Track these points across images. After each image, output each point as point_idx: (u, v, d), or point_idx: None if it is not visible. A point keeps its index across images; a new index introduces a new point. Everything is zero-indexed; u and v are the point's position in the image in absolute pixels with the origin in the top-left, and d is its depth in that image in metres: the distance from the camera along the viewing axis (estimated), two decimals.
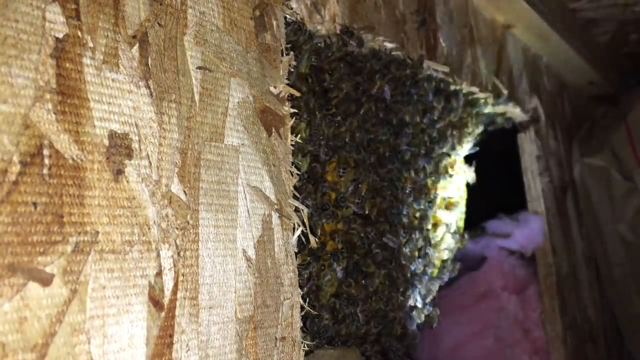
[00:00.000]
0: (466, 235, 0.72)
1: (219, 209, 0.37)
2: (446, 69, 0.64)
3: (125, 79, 0.32)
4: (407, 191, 0.61)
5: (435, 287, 0.65)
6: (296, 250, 0.43)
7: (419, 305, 0.62)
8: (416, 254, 0.62)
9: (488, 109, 0.74)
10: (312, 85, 0.51)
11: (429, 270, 0.64)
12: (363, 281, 0.55)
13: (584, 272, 1.02)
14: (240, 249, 0.38)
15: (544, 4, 0.80)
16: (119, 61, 0.32)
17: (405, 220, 0.61)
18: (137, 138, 0.33)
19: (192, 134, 0.36)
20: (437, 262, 0.66)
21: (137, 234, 0.32)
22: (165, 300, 0.33)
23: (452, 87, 0.66)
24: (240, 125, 0.39)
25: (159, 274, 0.33)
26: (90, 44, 0.31)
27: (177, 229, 0.34)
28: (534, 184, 0.89)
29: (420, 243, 0.63)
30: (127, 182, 0.32)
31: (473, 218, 0.78)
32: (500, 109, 0.78)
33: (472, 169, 0.73)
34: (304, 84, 0.50)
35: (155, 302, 0.32)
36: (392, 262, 0.59)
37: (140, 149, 0.33)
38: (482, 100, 0.72)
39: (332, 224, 0.53)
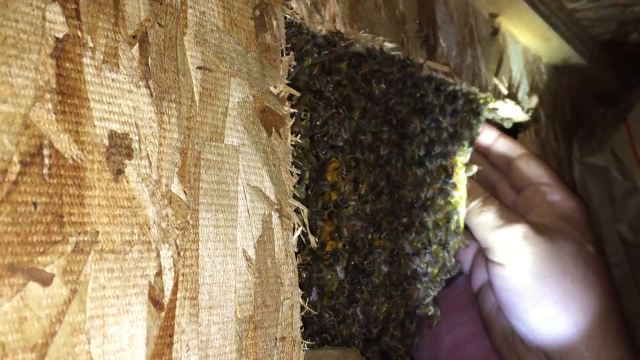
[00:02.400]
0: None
1: (219, 209, 0.37)
2: (446, 69, 0.64)
3: (125, 79, 0.32)
4: (408, 191, 0.61)
5: (435, 286, 0.65)
6: (296, 250, 0.43)
7: (420, 304, 0.62)
8: (417, 253, 0.62)
9: (488, 109, 0.74)
10: (312, 84, 0.51)
11: (430, 270, 0.64)
12: (363, 281, 0.55)
13: None
14: (240, 249, 0.38)
15: (544, 4, 0.80)
16: (119, 61, 0.32)
17: (405, 220, 0.61)
18: (137, 138, 0.33)
19: (192, 134, 0.36)
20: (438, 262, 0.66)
21: (137, 234, 0.32)
22: (165, 300, 0.33)
23: (452, 87, 0.67)
24: (240, 125, 0.39)
25: (159, 274, 0.33)
26: (90, 44, 0.31)
27: (177, 229, 0.34)
28: None
29: (421, 243, 0.63)
30: (127, 182, 0.32)
31: None
32: (499, 109, 0.78)
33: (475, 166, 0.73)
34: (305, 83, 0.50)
35: (155, 302, 0.32)
36: (393, 261, 0.59)
37: (140, 149, 0.33)
38: (482, 100, 0.72)
39: (332, 224, 0.53)
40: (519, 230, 0.62)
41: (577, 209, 0.68)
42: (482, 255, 0.70)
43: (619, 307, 0.65)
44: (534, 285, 0.62)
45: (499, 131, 0.76)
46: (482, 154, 0.77)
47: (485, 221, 0.64)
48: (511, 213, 0.65)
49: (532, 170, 0.71)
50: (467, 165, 0.72)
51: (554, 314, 0.61)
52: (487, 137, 0.75)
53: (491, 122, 0.81)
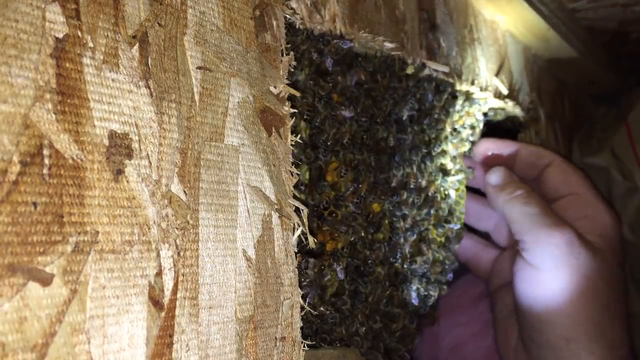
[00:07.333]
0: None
1: (219, 209, 0.37)
2: (446, 69, 0.64)
3: (125, 79, 0.32)
4: (408, 191, 0.61)
5: (434, 286, 0.65)
6: (296, 250, 0.43)
7: (419, 304, 0.62)
8: (416, 253, 0.62)
9: (488, 107, 0.75)
10: (313, 85, 0.51)
11: (430, 270, 0.64)
12: (363, 280, 0.55)
13: None
14: (240, 249, 0.38)
15: (544, 4, 0.80)
16: (119, 61, 0.32)
17: (405, 220, 0.61)
18: (137, 138, 0.33)
19: (192, 134, 0.36)
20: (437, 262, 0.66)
21: (137, 234, 0.32)
22: (165, 300, 0.33)
23: (452, 87, 0.67)
24: (240, 125, 0.39)
25: (159, 274, 0.33)
26: (90, 44, 0.31)
27: (177, 229, 0.34)
28: None
29: (420, 243, 0.63)
30: (127, 182, 0.32)
31: None
32: (499, 109, 0.78)
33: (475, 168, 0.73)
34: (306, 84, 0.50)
35: (155, 302, 0.32)
36: (393, 261, 0.59)
37: (140, 149, 0.33)
38: (482, 100, 0.72)
39: (331, 224, 0.53)
40: (567, 234, 0.57)
41: (614, 225, 0.64)
42: (510, 254, 0.66)
43: (629, 332, 0.62)
44: (565, 302, 0.56)
45: (520, 143, 0.72)
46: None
47: (531, 213, 0.58)
48: (558, 215, 0.59)
49: (566, 179, 0.66)
50: (470, 159, 0.72)
51: (575, 336, 0.57)
52: (509, 148, 0.71)
53: (491, 123, 0.81)
